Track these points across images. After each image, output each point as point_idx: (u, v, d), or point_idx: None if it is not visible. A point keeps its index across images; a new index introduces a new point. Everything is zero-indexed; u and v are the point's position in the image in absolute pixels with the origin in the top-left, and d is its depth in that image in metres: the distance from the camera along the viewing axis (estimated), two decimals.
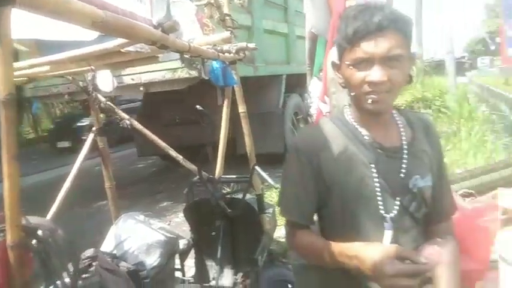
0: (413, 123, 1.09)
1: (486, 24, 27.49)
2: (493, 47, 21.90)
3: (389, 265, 0.88)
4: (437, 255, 0.97)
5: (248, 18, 4.75)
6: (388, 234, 0.99)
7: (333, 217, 1.07)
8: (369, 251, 0.93)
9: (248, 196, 2.16)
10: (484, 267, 1.34)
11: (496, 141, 4.47)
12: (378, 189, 1.00)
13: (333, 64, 1.06)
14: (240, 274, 2.14)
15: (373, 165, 1.01)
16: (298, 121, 5.38)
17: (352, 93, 1.00)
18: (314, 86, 2.19)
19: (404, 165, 1.02)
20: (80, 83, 2.12)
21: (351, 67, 0.96)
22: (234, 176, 2.36)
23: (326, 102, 2.02)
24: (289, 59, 5.84)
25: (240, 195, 2.13)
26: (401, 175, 1.01)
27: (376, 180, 1.00)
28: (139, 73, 3.96)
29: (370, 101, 0.96)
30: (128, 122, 2.32)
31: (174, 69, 3.81)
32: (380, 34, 0.92)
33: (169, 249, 1.92)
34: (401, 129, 1.06)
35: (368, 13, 0.93)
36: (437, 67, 13.77)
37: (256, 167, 2.17)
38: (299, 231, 1.10)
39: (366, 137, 1.04)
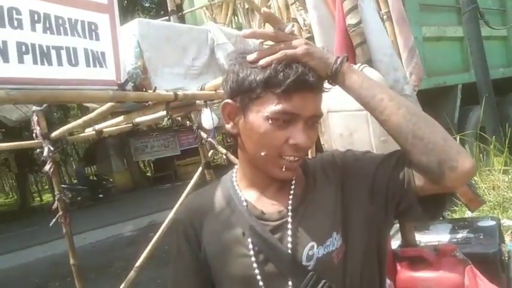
0: (309, 171, 0.85)
1: None
2: None
3: None
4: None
5: None
6: None
7: None
8: None
9: None
10: None
11: None
12: (257, 270, 0.75)
13: (229, 106, 0.79)
14: None
15: (249, 240, 0.77)
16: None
17: (263, 153, 0.76)
18: None
19: (290, 233, 0.76)
20: (188, 122, 2.45)
21: (270, 120, 0.73)
22: None
23: None
24: (466, 66, 4.91)
25: None
26: (288, 250, 0.75)
27: (253, 257, 0.76)
28: None
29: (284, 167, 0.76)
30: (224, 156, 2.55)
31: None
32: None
33: None
34: (291, 189, 0.81)
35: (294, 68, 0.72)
36: None
37: None
38: None
39: (244, 203, 0.81)
